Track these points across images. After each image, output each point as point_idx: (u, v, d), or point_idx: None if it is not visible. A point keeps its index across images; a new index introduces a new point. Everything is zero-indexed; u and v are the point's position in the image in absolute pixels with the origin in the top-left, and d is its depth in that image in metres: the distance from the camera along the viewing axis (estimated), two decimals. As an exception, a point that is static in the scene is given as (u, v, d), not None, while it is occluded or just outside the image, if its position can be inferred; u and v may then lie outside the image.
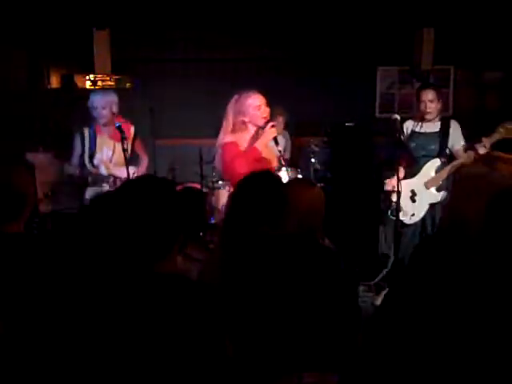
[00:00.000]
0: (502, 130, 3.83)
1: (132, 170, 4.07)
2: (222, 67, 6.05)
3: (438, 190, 4.12)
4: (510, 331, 1.36)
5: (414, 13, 5.77)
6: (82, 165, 4.04)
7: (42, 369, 1.64)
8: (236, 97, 3.59)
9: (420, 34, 5.84)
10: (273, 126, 3.51)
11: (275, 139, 3.63)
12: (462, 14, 5.72)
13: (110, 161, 4.07)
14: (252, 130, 3.57)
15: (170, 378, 1.31)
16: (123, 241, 1.46)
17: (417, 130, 4.16)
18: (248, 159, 3.38)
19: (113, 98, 4.06)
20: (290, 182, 2.33)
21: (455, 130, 4.16)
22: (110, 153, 4.07)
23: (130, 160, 4.07)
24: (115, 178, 4.05)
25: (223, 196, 5.33)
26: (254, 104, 3.52)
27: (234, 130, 3.56)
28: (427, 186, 4.15)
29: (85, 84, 6.19)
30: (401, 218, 4.12)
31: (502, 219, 1.47)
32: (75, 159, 4.07)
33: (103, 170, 4.03)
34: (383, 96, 6.47)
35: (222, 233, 2.17)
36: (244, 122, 3.55)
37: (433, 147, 4.12)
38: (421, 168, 4.15)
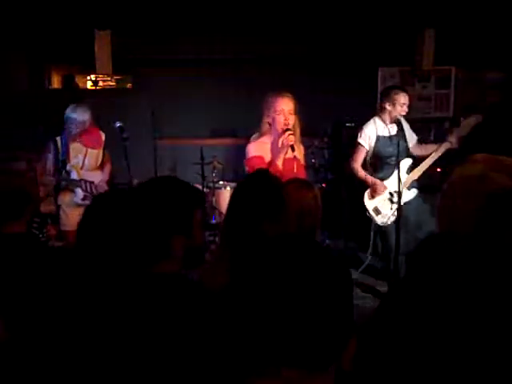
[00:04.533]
0: (462, 124, 4.03)
1: (100, 175, 4.32)
2: (222, 67, 6.05)
3: (409, 188, 4.18)
4: (510, 334, 1.36)
5: (416, 13, 5.77)
6: (56, 171, 4.16)
7: (42, 368, 1.64)
8: (268, 95, 3.44)
9: (421, 34, 5.85)
10: (290, 134, 3.30)
11: (292, 146, 3.35)
12: (463, 14, 5.72)
13: (82, 167, 4.24)
14: (275, 134, 3.41)
15: (168, 377, 1.32)
16: (127, 240, 1.46)
17: (380, 134, 4.16)
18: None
19: (89, 113, 4.21)
20: (287, 183, 2.32)
21: (407, 128, 4.20)
22: (81, 159, 4.24)
23: (100, 166, 4.35)
24: (86, 182, 4.23)
25: (223, 196, 5.34)
26: (278, 108, 3.35)
27: (263, 132, 3.47)
28: (404, 185, 4.13)
29: (86, 84, 6.21)
30: (379, 221, 4.20)
31: (500, 220, 1.47)
32: (50, 165, 4.18)
33: (75, 175, 4.21)
34: (384, 96, 6.47)
35: (222, 233, 2.18)
36: (269, 124, 3.42)
37: (395, 149, 4.03)
38: (393, 169, 4.11)
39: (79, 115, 4.13)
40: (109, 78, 6.15)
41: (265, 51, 6.03)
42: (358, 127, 4.91)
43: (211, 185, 5.49)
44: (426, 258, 1.57)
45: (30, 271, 1.95)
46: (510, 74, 6.26)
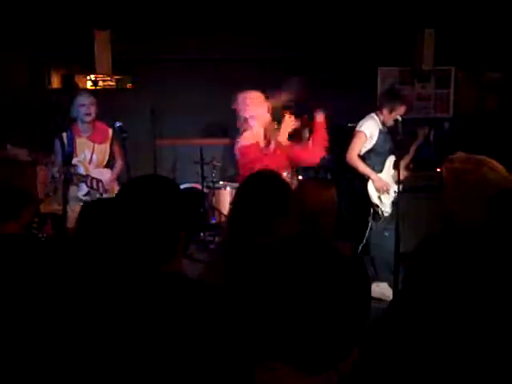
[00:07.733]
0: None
1: (109, 173, 4.26)
2: (222, 67, 6.05)
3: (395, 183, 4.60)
4: None
5: (415, 13, 5.77)
6: (63, 165, 4.10)
7: (43, 369, 1.64)
8: (235, 99, 3.59)
9: (421, 34, 5.84)
10: (291, 116, 3.46)
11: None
12: (463, 14, 5.72)
13: (90, 162, 4.19)
14: (257, 125, 3.48)
15: (172, 378, 1.31)
16: (127, 241, 1.46)
17: (382, 129, 4.49)
18: (270, 160, 3.25)
19: (94, 99, 4.23)
20: (304, 182, 2.33)
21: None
22: (89, 155, 4.19)
23: (108, 163, 4.28)
24: (92, 178, 4.17)
25: (223, 196, 5.34)
26: (250, 96, 3.48)
27: (244, 131, 3.52)
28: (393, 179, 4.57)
29: (86, 84, 6.20)
30: (383, 208, 4.54)
31: (504, 218, 1.47)
32: (58, 160, 4.14)
33: (82, 170, 4.17)
34: (384, 96, 6.46)
35: (226, 233, 2.17)
36: (246, 120, 3.48)
37: (390, 145, 4.49)
38: (384, 163, 4.53)
39: (86, 98, 4.15)
40: (108, 78, 6.14)
41: (264, 51, 6.03)
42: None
43: (211, 185, 5.49)
44: (429, 258, 1.56)
45: (27, 272, 1.94)
46: (509, 75, 6.26)
